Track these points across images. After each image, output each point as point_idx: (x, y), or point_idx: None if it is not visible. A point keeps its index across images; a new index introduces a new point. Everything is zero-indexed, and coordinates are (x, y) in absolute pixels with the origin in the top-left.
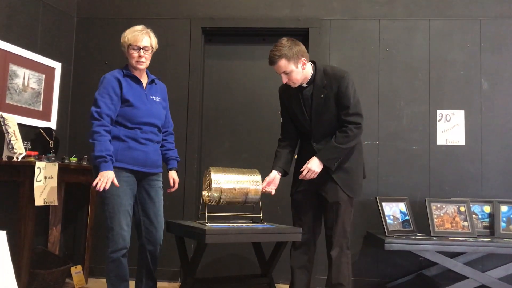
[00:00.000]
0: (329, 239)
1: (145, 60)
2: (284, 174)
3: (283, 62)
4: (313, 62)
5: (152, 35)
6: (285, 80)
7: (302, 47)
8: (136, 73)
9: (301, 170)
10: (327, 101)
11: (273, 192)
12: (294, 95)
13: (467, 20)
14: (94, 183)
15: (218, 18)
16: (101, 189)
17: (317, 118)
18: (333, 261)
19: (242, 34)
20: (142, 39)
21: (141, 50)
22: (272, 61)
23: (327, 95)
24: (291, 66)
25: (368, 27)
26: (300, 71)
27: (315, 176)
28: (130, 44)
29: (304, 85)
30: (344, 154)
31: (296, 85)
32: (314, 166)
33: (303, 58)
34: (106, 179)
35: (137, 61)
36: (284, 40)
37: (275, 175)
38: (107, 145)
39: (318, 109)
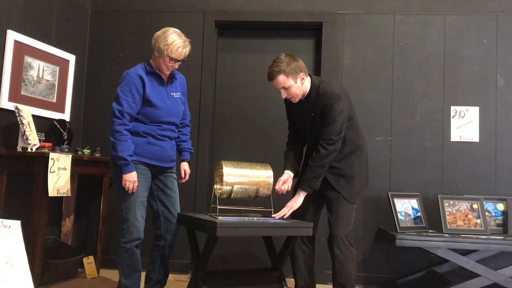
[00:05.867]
0: (332, 236)
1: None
2: (295, 174)
3: (281, 78)
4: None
5: (189, 44)
6: (284, 95)
7: (301, 62)
8: (158, 70)
9: (275, 215)
10: (316, 117)
11: (285, 191)
12: (295, 105)
13: (483, 16)
14: (124, 185)
15: (231, 12)
16: (130, 192)
17: (313, 132)
18: (338, 258)
19: (255, 28)
20: (186, 54)
21: (178, 61)
22: (271, 77)
23: (316, 112)
24: (289, 82)
25: (382, 21)
26: (299, 86)
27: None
28: (171, 57)
29: (302, 99)
30: (322, 171)
31: (296, 100)
32: (294, 203)
33: (301, 73)
34: (132, 183)
35: (168, 69)
36: (283, 56)
37: (288, 176)
38: (129, 145)
39: (313, 124)
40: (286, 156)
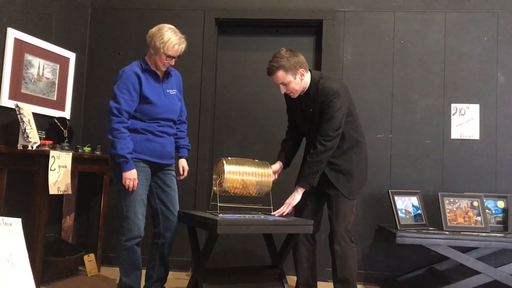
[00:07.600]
0: (333, 233)
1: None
2: (286, 166)
3: (280, 73)
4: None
5: (184, 40)
6: (283, 90)
7: (301, 58)
8: (154, 67)
9: (274, 213)
10: (315, 113)
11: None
12: (294, 100)
13: (484, 13)
14: (124, 183)
15: (231, 9)
16: (130, 190)
17: (311, 127)
18: (339, 255)
19: (255, 26)
20: (182, 50)
21: (174, 58)
22: (270, 72)
23: (315, 108)
24: (289, 77)
25: (383, 19)
26: (298, 82)
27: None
28: (167, 55)
29: (302, 94)
30: (320, 167)
31: (295, 96)
32: (292, 200)
33: (301, 69)
34: (132, 180)
35: (164, 65)
36: (283, 51)
37: (279, 166)
38: (127, 143)
39: (312, 119)
40: (282, 147)
